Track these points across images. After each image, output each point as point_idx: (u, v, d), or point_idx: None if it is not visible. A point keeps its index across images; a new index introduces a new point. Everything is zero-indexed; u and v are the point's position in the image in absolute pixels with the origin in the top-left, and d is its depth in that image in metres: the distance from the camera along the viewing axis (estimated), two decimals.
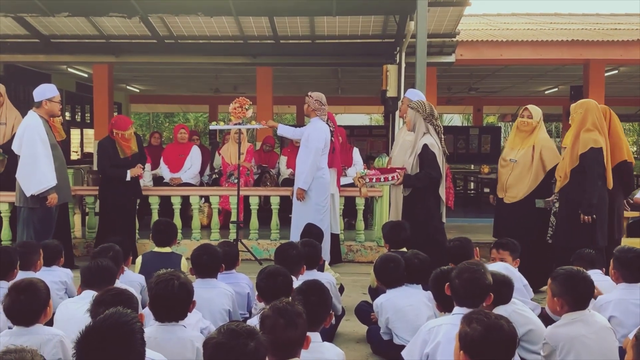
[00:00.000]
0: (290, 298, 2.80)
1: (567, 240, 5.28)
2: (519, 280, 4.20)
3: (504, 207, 5.91)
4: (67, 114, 14.50)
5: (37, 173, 5.86)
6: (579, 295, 3.10)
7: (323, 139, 6.46)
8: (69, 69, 12.68)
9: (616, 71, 12.17)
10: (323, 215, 6.49)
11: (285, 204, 7.44)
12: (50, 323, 3.10)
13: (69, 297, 4.14)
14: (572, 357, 2.98)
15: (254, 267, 6.28)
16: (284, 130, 6.92)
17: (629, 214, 6.41)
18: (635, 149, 30.00)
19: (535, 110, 5.85)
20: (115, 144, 6.81)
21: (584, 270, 3.26)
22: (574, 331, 3.02)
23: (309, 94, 6.62)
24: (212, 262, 3.98)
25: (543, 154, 5.70)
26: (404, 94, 6.36)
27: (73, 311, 3.27)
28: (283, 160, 9.19)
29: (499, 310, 3.15)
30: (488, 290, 3.05)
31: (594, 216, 5.18)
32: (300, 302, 2.57)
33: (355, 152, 8.62)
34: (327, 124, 6.62)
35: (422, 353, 3.03)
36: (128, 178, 6.81)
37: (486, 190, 14.27)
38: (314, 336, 2.74)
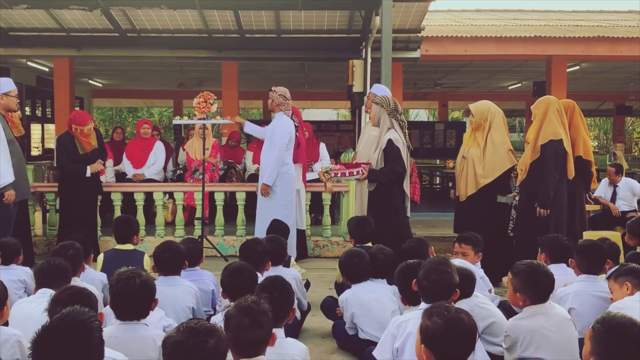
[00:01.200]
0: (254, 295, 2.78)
1: (527, 233, 5.35)
2: (476, 273, 4.25)
3: (459, 204, 6.01)
4: (28, 109, 14.18)
5: None
6: (540, 291, 3.15)
7: (287, 134, 6.43)
8: (29, 63, 12.38)
9: (578, 67, 12.42)
10: (289, 210, 6.46)
11: (252, 200, 7.40)
12: (5, 323, 3.02)
13: (28, 296, 4.05)
14: (532, 349, 3.04)
15: (219, 263, 6.22)
16: (251, 129, 6.88)
17: (589, 207, 6.53)
18: (596, 143, 30.69)
19: (477, 108, 5.89)
20: (75, 139, 6.69)
21: (545, 265, 3.31)
22: (534, 324, 3.07)
23: (273, 88, 6.58)
24: (175, 260, 3.93)
25: (496, 158, 5.72)
26: (371, 89, 6.36)
27: (29, 310, 3.20)
28: (249, 155, 9.13)
29: (462, 304, 3.18)
30: (455, 288, 3.09)
31: (549, 211, 5.27)
32: (266, 300, 2.54)
33: (322, 147, 8.61)
34: (291, 118, 6.59)
35: (392, 348, 3.04)
36: (88, 174, 6.69)
37: (451, 183, 14.46)
38: (278, 332, 2.72)
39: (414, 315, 3.04)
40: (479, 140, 5.81)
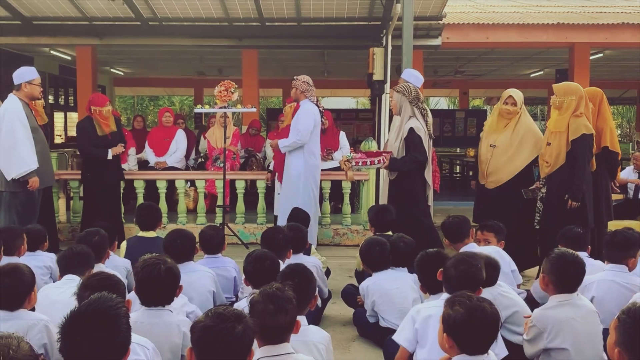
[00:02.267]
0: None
1: (559, 224, 5.04)
2: (508, 266, 4.22)
3: (486, 193, 5.80)
4: (51, 97, 14.32)
5: (17, 157, 5.79)
6: (567, 278, 3.13)
7: (312, 120, 6.39)
8: (52, 52, 12.51)
9: (601, 54, 12.24)
10: (312, 199, 6.48)
11: (272, 188, 7.43)
12: (33, 308, 3.07)
13: (53, 282, 4.11)
14: (560, 340, 3.02)
15: (240, 251, 6.28)
16: (284, 143, 6.53)
17: (613, 196, 6.43)
18: (619, 131, 30.26)
19: (519, 96, 5.73)
20: (94, 122, 6.75)
21: (578, 255, 3.25)
22: (562, 314, 3.06)
23: (295, 77, 6.56)
24: (186, 246, 3.96)
25: (527, 142, 5.60)
26: (402, 74, 6.28)
27: (55, 296, 3.25)
28: (269, 143, 9.14)
29: (485, 292, 3.17)
30: (480, 284, 3.10)
31: (580, 202, 5.16)
32: (291, 287, 2.57)
33: (342, 136, 8.58)
34: (316, 105, 6.56)
35: (412, 330, 3.07)
36: (109, 157, 6.77)
37: (472, 173, 14.34)
38: (300, 319, 2.75)
39: (436, 304, 3.05)
40: (510, 128, 5.67)
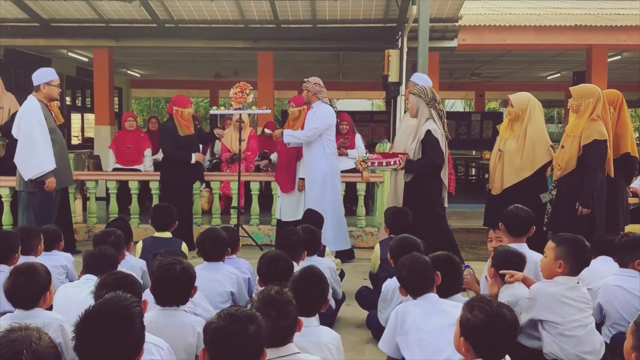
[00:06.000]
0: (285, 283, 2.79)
1: (567, 229, 4.92)
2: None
3: (492, 197, 5.73)
4: (68, 99, 14.45)
5: (34, 157, 5.85)
6: None
7: (327, 122, 6.38)
8: (69, 53, 12.62)
9: (619, 57, 12.13)
10: (340, 200, 6.60)
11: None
12: (50, 307, 3.09)
13: (70, 282, 4.14)
14: None
15: (254, 252, 6.29)
16: (291, 134, 6.58)
17: (630, 200, 6.35)
18: (637, 135, 29.94)
19: (518, 99, 5.61)
20: (174, 122, 6.89)
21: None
22: None
23: (305, 80, 6.53)
24: (215, 247, 3.98)
25: (536, 151, 5.48)
26: (411, 78, 6.26)
27: (73, 295, 3.27)
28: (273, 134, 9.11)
29: (506, 290, 3.19)
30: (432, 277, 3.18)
31: (590, 209, 5.08)
32: (291, 289, 2.55)
33: (358, 138, 8.58)
34: (331, 105, 6.57)
35: (393, 336, 3.10)
36: (193, 161, 6.94)
37: (487, 176, 14.24)
38: (310, 320, 2.75)
39: (412, 304, 3.13)
40: (517, 132, 5.56)
